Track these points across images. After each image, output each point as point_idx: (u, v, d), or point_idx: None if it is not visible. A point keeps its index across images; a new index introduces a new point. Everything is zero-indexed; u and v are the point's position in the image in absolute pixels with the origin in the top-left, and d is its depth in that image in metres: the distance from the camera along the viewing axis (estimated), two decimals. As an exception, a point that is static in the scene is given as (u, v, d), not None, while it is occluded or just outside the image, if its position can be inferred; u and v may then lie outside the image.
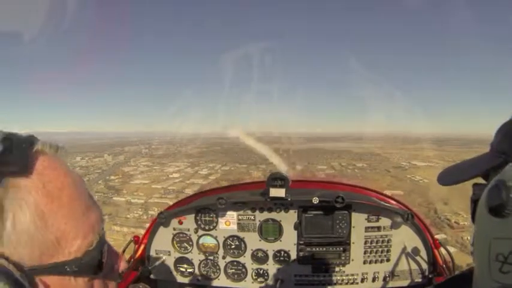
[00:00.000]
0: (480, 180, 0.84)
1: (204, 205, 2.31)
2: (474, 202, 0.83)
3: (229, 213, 2.33)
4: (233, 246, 2.38)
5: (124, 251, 2.19)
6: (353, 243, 2.25)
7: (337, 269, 2.30)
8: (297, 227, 2.28)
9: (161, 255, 2.44)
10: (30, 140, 0.63)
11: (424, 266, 2.21)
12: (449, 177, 0.93)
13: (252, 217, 2.32)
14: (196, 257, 2.41)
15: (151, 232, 2.42)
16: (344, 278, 2.30)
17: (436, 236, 2.25)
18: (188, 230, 2.39)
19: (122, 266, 0.76)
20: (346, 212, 2.21)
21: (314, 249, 2.29)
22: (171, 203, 2.49)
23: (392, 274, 2.25)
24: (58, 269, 0.59)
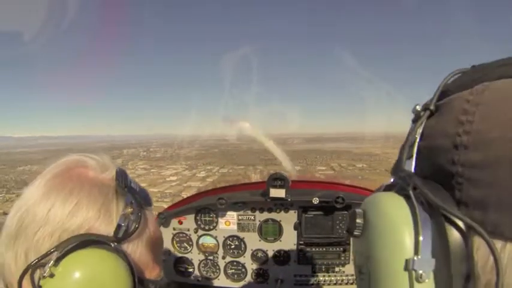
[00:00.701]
0: None
1: (204, 205, 2.31)
2: None
3: (229, 213, 2.33)
4: (233, 246, 2.38)
5: None
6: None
7: (337, 269, 2.31)
8: (297, 227, 2.28)
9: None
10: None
11: None
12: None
13: (252, 217, 2.32)
14: (196, 257, 2.41)
15: None
16: (344, 278, 2.30)
17: None
18: (188, 230, 2.38)
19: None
20: (346, 212, 2.20)
21: (314, 249, 2.29)
22: (166, 207, 2.48)
23: None
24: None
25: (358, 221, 0.63)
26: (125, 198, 0.78)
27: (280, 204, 2.28)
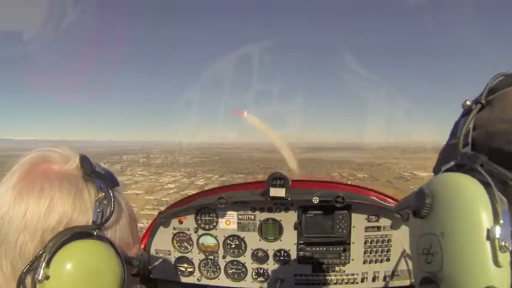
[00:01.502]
0: None
1: (204, 205, 2.30)
2: None
3: (229, 212, 2.32)
4: (233, 246, 2.37)
5: None
6: (353, 243, 2.25)
7: (337, 268, 2.29)
8: (297, 226, 2.27)
9: (161, 254, 2.42)
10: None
11: None
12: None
13: (252, 217, 2.32)
14: (196, 256, 2.40)
15: (151, 232, 2.40)
16: (344, 277, 2.29)
17: None
18: (188, 229, 2.37)
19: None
20: (346, 211, 2.20)
21: (314, 248, 2.28)
22: (166, 207, 2.45)
23: (392, 274, 2.24)
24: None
25: (427, 200, 0.65)
26: (94, 184, 0.80)
27: (281, 204, 2.27)
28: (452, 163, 0.69)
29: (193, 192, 2.58)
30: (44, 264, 0.66)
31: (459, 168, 0.67)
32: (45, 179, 0.75)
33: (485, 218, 0.55)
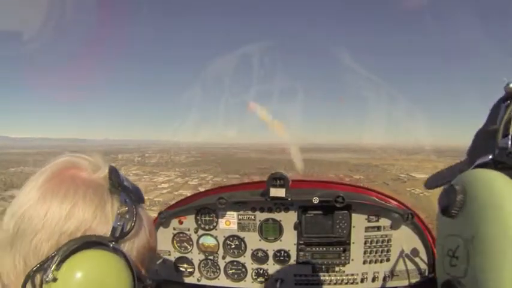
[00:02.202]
0: None
1: (204, 205, 2.30)
2: None
3: (229, 213, 2.32)
4: (233, 246, 2.36)
5: None
6: (353, 243, 2.24)
7: (337, 268, 2.29)
8: (297, 226, 2.27)
9: (161, 255, 2.41)
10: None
11: (424, 266, 2.21)
12: (432, 182, 1.00)
13: (252, 217, 2.31)
14: (196, 256, 2.40)
15: None
16: (344, 277, 2.28)
17: None
18: (188, 229, 2.37)
19: None
20: (346, 212, 2.20)
21: (314, 249, 2.28)
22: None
23: (392, 274, 2.24)
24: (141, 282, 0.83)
25: (458, 198, 0.59)
26: (119, 197, 0.80)
27: (281, 204, 2.26)
28: (489, 157, 0.63)
29: (187, 192, 2.75)
30: (54, 266, 0.67)
31: (496, 164, 0.61)
32: (72, 184, 0.76)
33: None
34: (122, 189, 0.81)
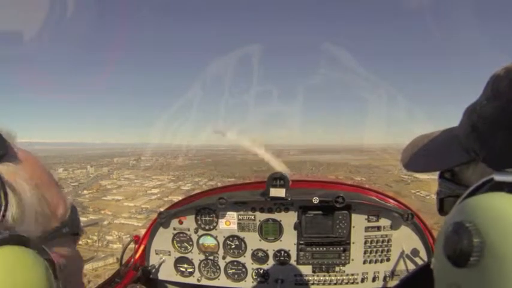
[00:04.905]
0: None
1: (204, 205, 2.30)
2: (440, 200, 0.83)
3: (229, 213, 2.32)
4: (233, 246, 2.36)
5: (124, 251, 2.24)
6: (353, 243, 2.25)
7: (337, 268, 2.29)
8: (297, 227, 2.26)
9: (161, 255, 2.41)
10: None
11: None
12: (415, 162, 0.88)
13: (252, 217, 2.31)
14: (196, 257, 2.40)
15: (152, 232, 2.40)
16: (344, 277, 2.28)
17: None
18: (188, 229, 2.37)
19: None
20: (346, 212, 2.20)
21: (314, 249, 2.28)
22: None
23: (392, 274, 2.24)
24: (58, 232, 0.65)
25: (475, 242, 0.42)
26: None
27: (281, 204, 2.26)
28: (493, 177, 0.48)
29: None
30: None
31: (507, 184, 0.45)
32: None
33: None
34: None
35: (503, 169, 0.46)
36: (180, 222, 2.34)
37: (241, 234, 2.31)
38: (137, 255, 2.34)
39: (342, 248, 2.23)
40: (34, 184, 0.62)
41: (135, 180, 59.87)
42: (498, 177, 0.45)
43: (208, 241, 2.35)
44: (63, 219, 0.68)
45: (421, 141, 0.91)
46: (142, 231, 2.48)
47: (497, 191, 0.43)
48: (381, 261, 2.22)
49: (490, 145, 0.62)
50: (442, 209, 0.81)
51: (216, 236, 2.33)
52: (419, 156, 0.87)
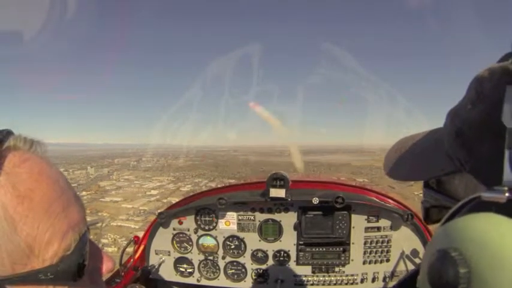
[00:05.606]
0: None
1: (204, 205, 2.31)
2: (426, 210, 0.81)
3: (229, 213, 2.32)
4: (233, 247, 2.37)
5: (124, 251, 2.24)
6: (353, 243, 2.25)
7: (336, 269, 2.29)
8: (296, 227, 2.27)
9: (161, 255, 2.42)
10: (1, 136, 0.54)
11: None
12: (397, 170, 0.84)
13: (252, 217, 2.31)
14: (196, 257, 2.40)
15: (151, 232, 2.41)
16: (344, 278, 2.28)
17: None
18: (188, 230, 2.37)
19: (108, 266, 0.65)
20: (346, 212, 2.20)
21: (314, 249, 2.28)
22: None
23: (392, 274, 2.25)
24: (31, 277, 0.51)
25: (461, 272, 0.39)
26: None
27: (280, 204, 2.27)
28: (481, 194, 0.44)
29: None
30: None
31: (494, 204, 0.42)
32: None
33: None
34: None
35: (491, 183, 0.43)
36: (180, 223, 2.35)
37: (241, 235, 2.32)
38: (137, 256, 2.34)
39: (341, 249, 2.24)
40: (9, 215, 0.49)
41: (135, 182, 59.40)
42: (486, 196, 0.43)
43: (208, 241, 2.36)
44: (53, 260, 0.53)
45: (404, 144, 0.84)
46: (139, 234, 2.47)
47: (484, 211, 0.40)
48: (381, 262, 2.23)
49: (476, 154, 0.57)
50: (428, 217, 0.79)
51: (216, 236, 2.34)
52: (402, 164, 0.82)
